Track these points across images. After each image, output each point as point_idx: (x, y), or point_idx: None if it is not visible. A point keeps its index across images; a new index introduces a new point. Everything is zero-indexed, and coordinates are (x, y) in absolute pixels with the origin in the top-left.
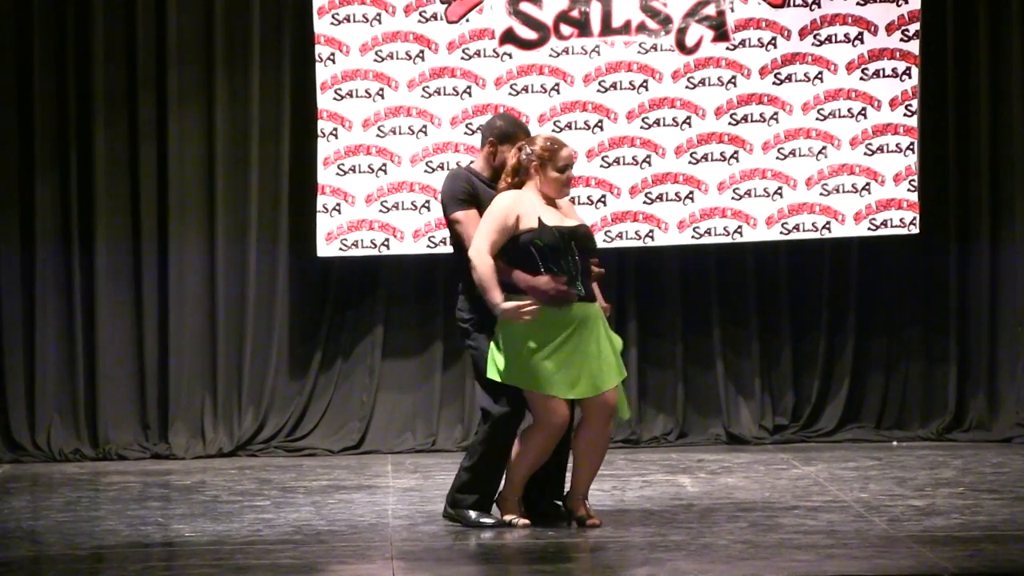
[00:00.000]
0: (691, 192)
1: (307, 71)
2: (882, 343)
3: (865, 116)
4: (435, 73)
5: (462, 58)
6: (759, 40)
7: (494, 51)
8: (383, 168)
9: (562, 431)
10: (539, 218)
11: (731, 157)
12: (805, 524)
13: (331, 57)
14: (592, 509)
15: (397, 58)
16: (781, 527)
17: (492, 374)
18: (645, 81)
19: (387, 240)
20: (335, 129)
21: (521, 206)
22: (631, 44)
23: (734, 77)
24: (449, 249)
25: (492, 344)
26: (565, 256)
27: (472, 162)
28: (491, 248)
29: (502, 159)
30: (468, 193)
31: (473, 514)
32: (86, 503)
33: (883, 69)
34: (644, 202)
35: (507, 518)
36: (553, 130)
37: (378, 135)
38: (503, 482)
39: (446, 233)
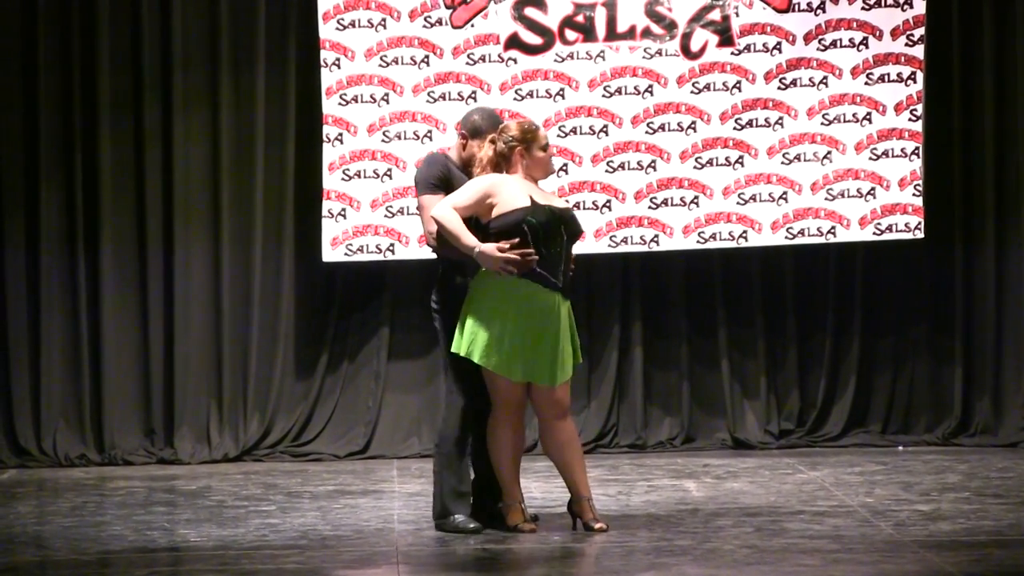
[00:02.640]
0: (696, 197)
1: (312, 76)
2: (887, 347)
3: (870, 121)
4: (440, 78)
5: (467, 63)
6: (764, 45)
7: (499, 56)
8: (388, 173)
9: (520, 413)
10: (531, 196)
11: (736, 162)
12: (811, 529)
13: (336, 62)
14: (599, 513)
15: (402, 63)
16: (787, 532)
17: (455, 348)
18: (650, 86)
19: (392, 245)
20: (340, 134)
21: (502, 189)
22: (636, 49)
23: (739, 82)
24: None
25: (462, 319)
26: (556, 240)
27: (450, 149)
28: (456, 209)
29: (469, 153)
30: (440, 179)
31: (459, 519)
32: (92, 508)
33: (888, 74)
34: (649, 207)
35: (511, 524)
36: (558, 135)
37: (383, 140)
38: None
39: None
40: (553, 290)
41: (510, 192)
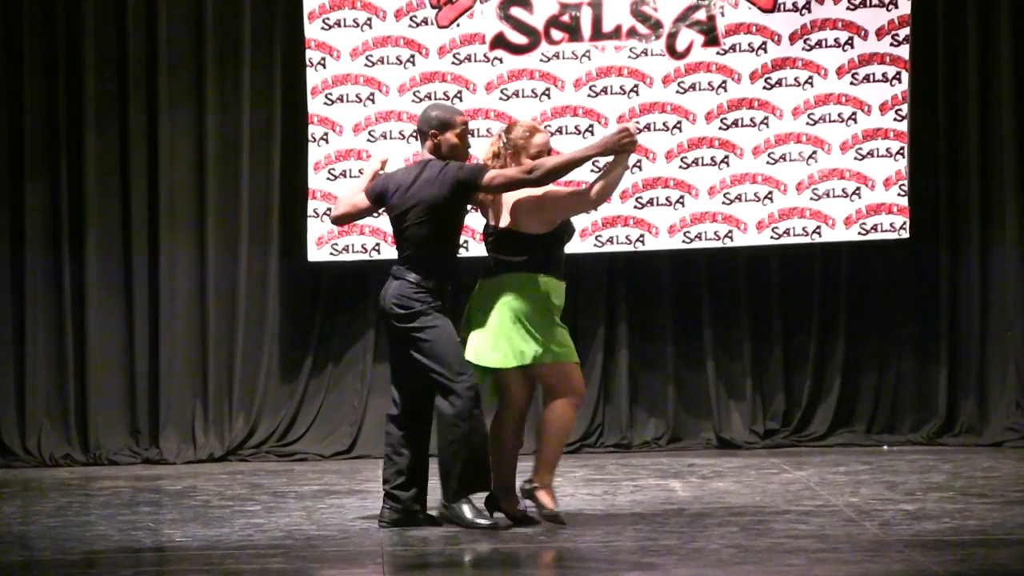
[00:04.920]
0: (681, 197)
1: (298, 76)
2: (873, 347)
3: (855, 120)
4: (426, 78)
5: (453, 63)
6: (749, 45)
7: (485, 56)
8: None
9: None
10: None
11: (722, 162)
12: (796, 529)
13: (322, 62)
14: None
15: (388, 63)
16: (772, 532)
17: (506, 362)
18: (636, 86)
19: (378, 245)
20: (326, 134)
21: None
22: (621, 49)
23: (724, 82)
24: None
25: (487, 335)
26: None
27: (417, 158)
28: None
29: (448, 145)
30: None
31: (469, 514)
32: (77, 508)
33: (873, 74)
34: (635, 207)
35: (513, 512)
36: None
37: (369, 140)
38: (500, 475)
39: None
40: (563, 280)
41: None
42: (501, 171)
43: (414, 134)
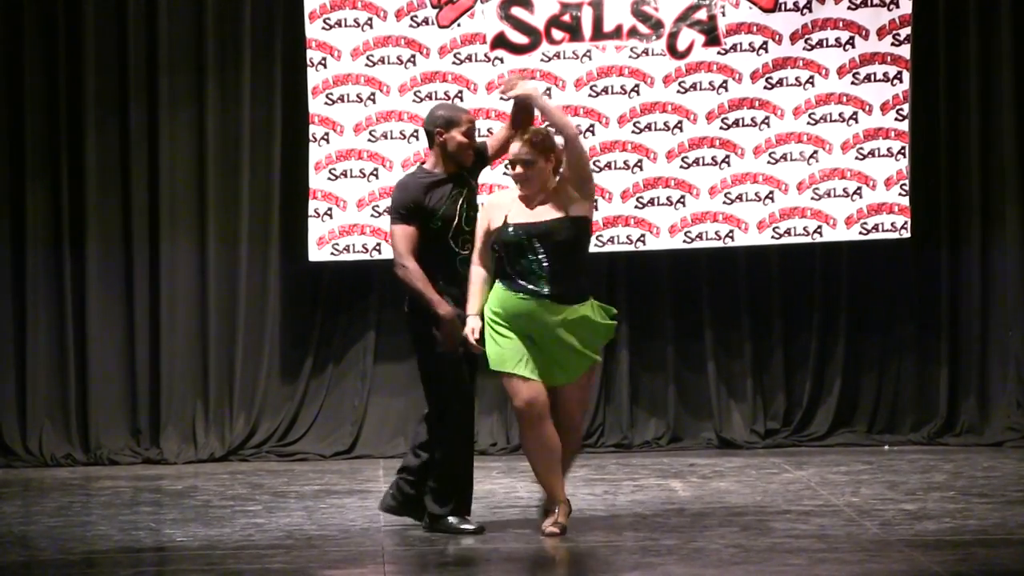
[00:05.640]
0: (682, 196)
1: (299, 76)
2: (873, 347)
3: (856, 120)
4: (426, 78)
5: (453, 63)
6: (750, 44)
7: (485, 56)
8: (375, 173)
9: (530, 412)
10: (505, 216)
11: (723, 161)
12: (796, 528)
13: (323, 62)
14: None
15: (388, 63)
16: (773, 531)
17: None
18: (636, 86)
19: (379, 245)
20: (326, 134)
21: (493, 210)
22: (622, 48)
23: (725, 81)
24: None
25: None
26: (525, 255)
27: (423, 163)
28: (479, 256)
29: (454, 143)
30: (409, 209)
31: (453, 520)
32: (77, 508)
33: (874, 73)
34: (635, 207)
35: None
36: None
37: (370, 139)
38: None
39: None
40: (535, 298)
41: (497, 213)
42: (404, 232)
43: (415, 134)
